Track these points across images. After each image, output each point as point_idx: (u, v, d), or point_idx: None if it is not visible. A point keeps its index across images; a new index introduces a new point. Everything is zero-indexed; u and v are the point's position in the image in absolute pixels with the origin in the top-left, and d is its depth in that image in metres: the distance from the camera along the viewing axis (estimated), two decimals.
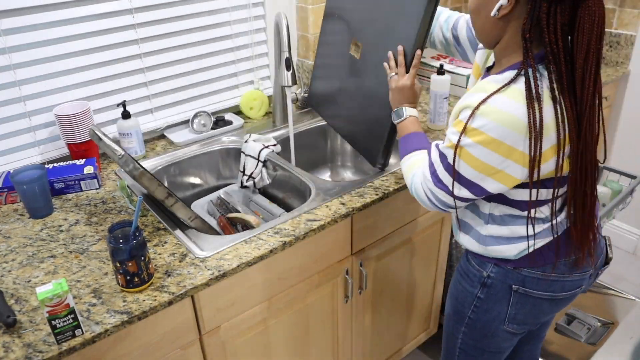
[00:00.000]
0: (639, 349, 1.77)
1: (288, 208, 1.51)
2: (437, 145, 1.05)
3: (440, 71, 1.64)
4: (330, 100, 1.58)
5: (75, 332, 0.93)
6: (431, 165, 1.04)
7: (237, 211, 1.53)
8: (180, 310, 1.08)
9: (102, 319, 0.97)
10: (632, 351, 1.77)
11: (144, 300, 1.01)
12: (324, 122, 1.79)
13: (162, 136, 1.70)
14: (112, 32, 1.50)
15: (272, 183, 1.57)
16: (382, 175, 1.43)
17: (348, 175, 1.86)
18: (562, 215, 1.05)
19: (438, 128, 1.69)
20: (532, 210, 1.01)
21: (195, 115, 1.68)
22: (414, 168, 1.11)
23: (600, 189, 1.87)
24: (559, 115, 0.90)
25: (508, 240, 1.07)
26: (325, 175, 1.86)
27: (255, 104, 1.81)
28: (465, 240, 1.14)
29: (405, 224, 1.53)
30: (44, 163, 1.47)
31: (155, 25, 1.56)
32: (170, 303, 1.02)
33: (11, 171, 1.33)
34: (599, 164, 1.03)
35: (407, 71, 1.25)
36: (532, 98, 0.88)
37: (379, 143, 1.38)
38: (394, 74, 1.26)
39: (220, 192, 1.63)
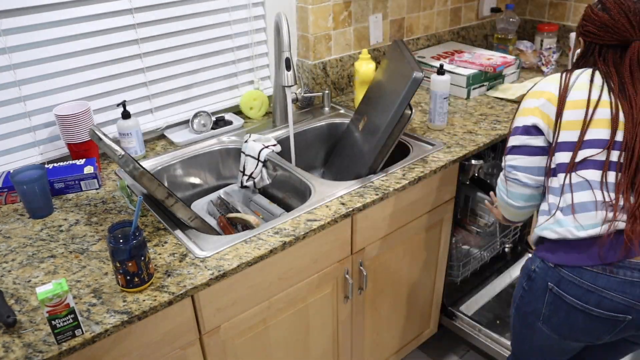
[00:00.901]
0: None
1: (288, 208, 1.51)
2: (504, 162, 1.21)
3: (440, 71, 1.64)
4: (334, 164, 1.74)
5: (75, 332, 0.93)
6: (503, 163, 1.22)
7: (237, 211, 1.53)
8: (180, 310, 1.08)
9: (102, 319, 0.97)
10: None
11: (144, 300, 1.01)
12: (324, 122, 1.79)
13: (162, 136, 1.70)
14: (112, 32, 1.50)
15: (272, 183, 1.57)
16: (382, 175, 1.43)
17: (348, 174, 1.86)
18: (620, 202, 1.05)
19: (438, 128, 1.69)
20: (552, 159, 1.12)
21: (195, 115, 1.68)
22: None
23: None
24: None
25: (542, 212, 1.16)
26: (326, 176, 1.86)
27: (255, 104, 1.81)
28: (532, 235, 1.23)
29: (405, 224, 1.53)
30: (44, 163, 1.47)
31: (155, 25, 1.56)
32: (170, 303, 1.02)
33: (11, 171, 1.33)
34: None
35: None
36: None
37: (365, 164, 1.46)
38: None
39: (220, 192, 1.63)
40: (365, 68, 1.76)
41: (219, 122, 1.73)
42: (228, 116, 1.77)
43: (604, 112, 1.08)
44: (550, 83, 1.15)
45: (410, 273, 1.67)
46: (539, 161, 1.15)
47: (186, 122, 1.72)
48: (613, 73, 1.10)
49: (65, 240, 1.20)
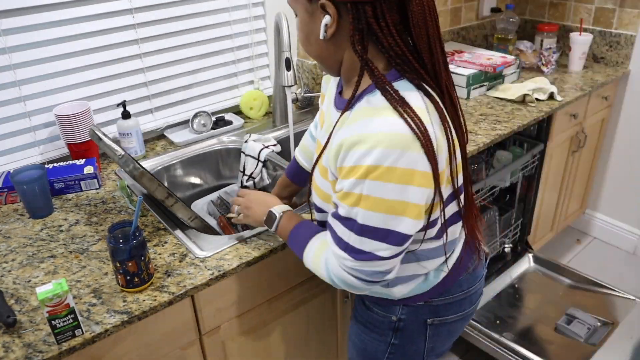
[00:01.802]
0: (639, 349, 1.77)
1: None
2: (335, 215, 0.86)
3: None
4: None
5: (75, 332, 0.93)
6: (339, 240, 0.85)
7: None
8: (180, 310, 1.08)
9: (102, 319, 0.97)
10: (632, 351, 1.77)
11: (144, 300, 1.01)
12: None
13: (162, 136, 1.70)
14: (112, 32, 1.50)
15: (272, 183, 1.57)
16: None
17: None
18: (456, 224, 0.96)
19: None
20: (444, 235, 0.93)
21: (195, 115, 1.68)
22: (321, 255, 0.91)
23: (503, 153, 1.94)
24: (437, 111, 0.83)
25: (413, 277, 0.97)
26: None
27: (255, 104, 1.81)
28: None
29: None
30: (44, 163, 1.47)
31: (155, 25, 1.56)
32: (170, 303, 1.02)
33: (11, 171, 1.33)
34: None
35: None
36: (397, 103, 0.79)
37: None
38: (235, 213, 1.18)
39: (220, 192, 1.63)
40: None
41: (219, 122, 1.73)
42: (228, 116, 1.77)
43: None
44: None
45: None
46: None
47: (186, 122, 1.72)
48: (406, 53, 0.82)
49: (65, 240, 1.20)
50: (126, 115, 1.51)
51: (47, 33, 1.39)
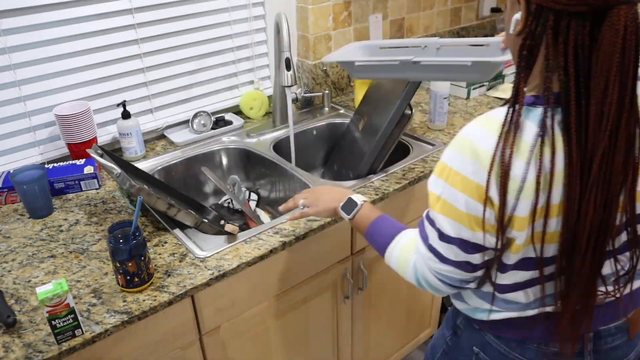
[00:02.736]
0: None
1: None
2: (427, 213, 0.84)
3: None
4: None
5: (75, 332, 0.93)
6: (425, 238, 0.83)
7: (238, 211, 1.53)
8: (180, 310, 1.08)
9: (102, 319, 0.97)
10: None
11: (144, 300, 1.01)
12: (324, 122, 1.80)
13: (162, 136, 1.70)
14: (112, 32, 1.50)
15: (272, 184, 1.57)
16: (382, 175, 1.43)
17: (348, 175, 1.86)
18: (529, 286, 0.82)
19: (438, 128, 1.69)
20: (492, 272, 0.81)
21: (195, 115, 1.68)
22: (407, 254, 0.91)
23: None
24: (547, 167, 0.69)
25: (467, 297, 0.91)
26: (325, 176, 1.86)
27: (255, 104, 1.81)
28: None
29: (406, 224, 1.52)
30: (44, 163, 1.47)
31: (155, 25, 1.56)
32: (170, 303, 1.02)
33: (11, 171, 1.33)
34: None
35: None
36: (508, 128, 0.70)
37: (365, 164, 1.45)
38: (301, 205, 1.13)
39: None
40: None
41: (219, 122, 1.73)
42: (228, 116, 1.77)
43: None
44: None
45: None
46: None
47: (186, 122, 1.71)
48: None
49: (65, 240, 1.20)
50: (126, 115, 1.51)
51: (47, 33, 1.39)
